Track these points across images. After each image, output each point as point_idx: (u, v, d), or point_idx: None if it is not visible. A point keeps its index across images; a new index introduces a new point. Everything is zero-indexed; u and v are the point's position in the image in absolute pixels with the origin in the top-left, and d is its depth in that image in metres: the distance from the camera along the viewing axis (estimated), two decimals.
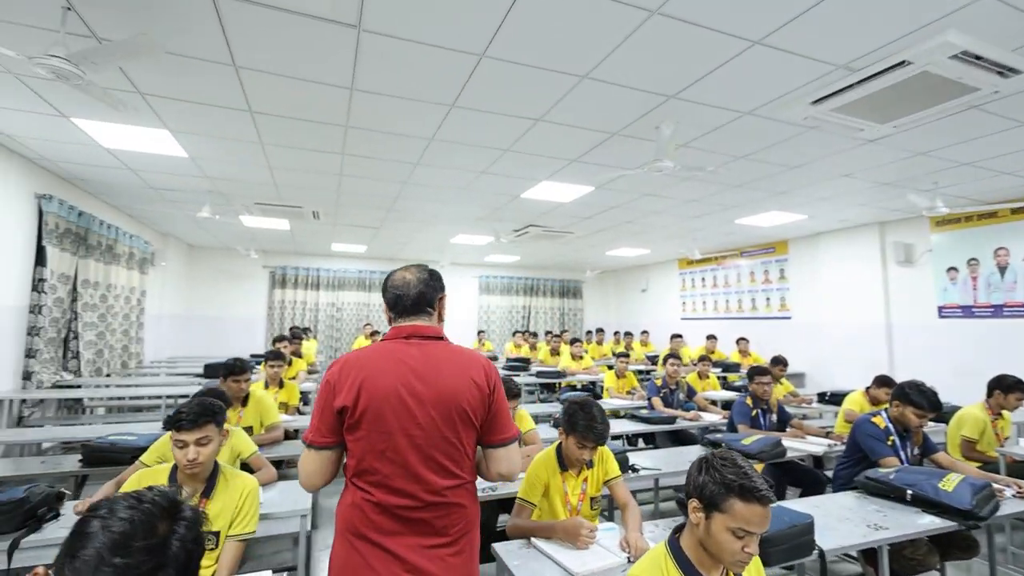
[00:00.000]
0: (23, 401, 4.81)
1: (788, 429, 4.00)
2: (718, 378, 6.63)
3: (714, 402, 5.33)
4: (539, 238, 7.72)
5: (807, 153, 4.15)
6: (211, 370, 5.77)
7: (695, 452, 3.43)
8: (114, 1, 2.35)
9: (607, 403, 5.30)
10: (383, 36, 2.55)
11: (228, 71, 2.95)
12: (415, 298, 1.48)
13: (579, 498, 2.25)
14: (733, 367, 7.23)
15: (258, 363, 5.45)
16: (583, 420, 2.14)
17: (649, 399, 4.90)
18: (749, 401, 3.97)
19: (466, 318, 11.40)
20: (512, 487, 2.39)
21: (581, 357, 6.83)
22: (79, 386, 5.40)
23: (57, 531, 2.09)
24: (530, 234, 7.34)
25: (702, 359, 5.79)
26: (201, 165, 4.70)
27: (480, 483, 2.56)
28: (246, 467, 2.72)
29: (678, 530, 1.43)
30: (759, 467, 3.44)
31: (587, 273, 11.19)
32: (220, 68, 2.92)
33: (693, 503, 1.36)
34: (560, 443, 2.28)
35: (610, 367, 5.92)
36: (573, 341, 6.91)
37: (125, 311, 6.83)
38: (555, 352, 7.52)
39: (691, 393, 5.07)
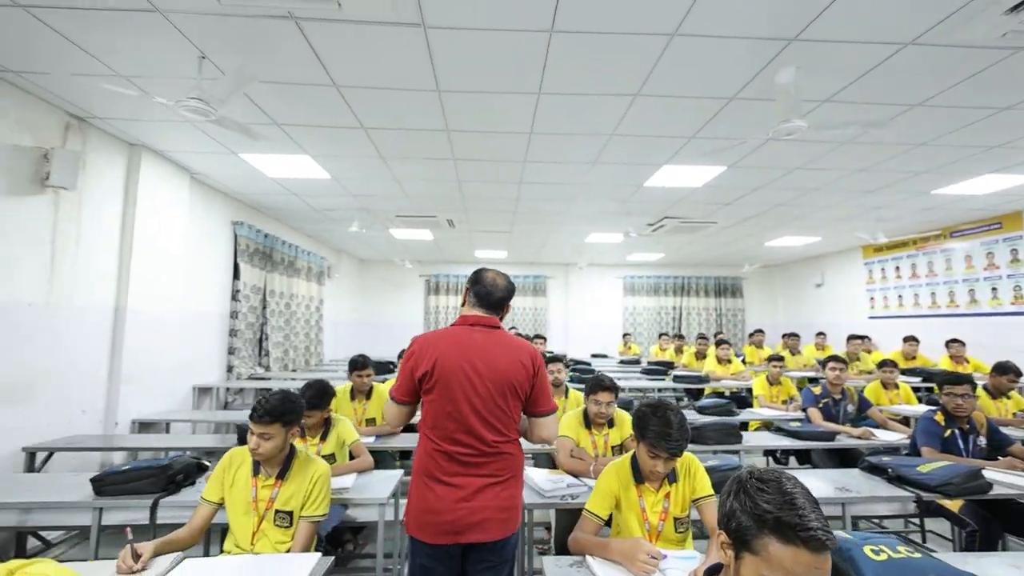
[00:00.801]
0: (227, 390, 5.90)
1: (1003, 457, 2.98)
2: (917, 389, 5.34)
3: (905, 419, 4.26)
4: (678, 231, 7.09)
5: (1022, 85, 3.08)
6: None
7: (853, 477, 2.74)
8: (233, 46, 2.72)
9: (756, 413, 4.60)
10: (448, 29, 2.54)
11: (332, 92, 3.23)
12: (498, 300, 1.85)
13: (660, 517, 1.92)
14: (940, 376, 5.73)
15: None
16: (655, 426, 1.82)
17: (804, 410, 4.10)
18: (939, 418, 3.07)
19: (610, 319, 11.01)
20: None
21: (729, 361, 6.06)
22: (269, 378, 6.44)
23: (193, 495, 2.45)
24: (666, 227, 6.78)
25: (883, 364, 4.68)
26: (343, 184, 5.28)
27: (560, 491, 2.35)
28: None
29: (714, 571, 1.09)
30: (954, 505, 2.62)
31: (745, 268, 9.96)
32: (326, 90, 3.20)
33: (721, 537, 1.01)
34: (635, 451, 1.98)
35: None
36: (720, 343, 6.16)
37: (306, 316, 8.01)
38: (701, 355, 6.80)
39: (864, 405, 4.11)
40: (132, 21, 2.52)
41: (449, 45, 2.68)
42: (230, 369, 5.98)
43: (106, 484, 2.35)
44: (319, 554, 1.77)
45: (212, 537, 2.79)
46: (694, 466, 1.98)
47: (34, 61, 2.91)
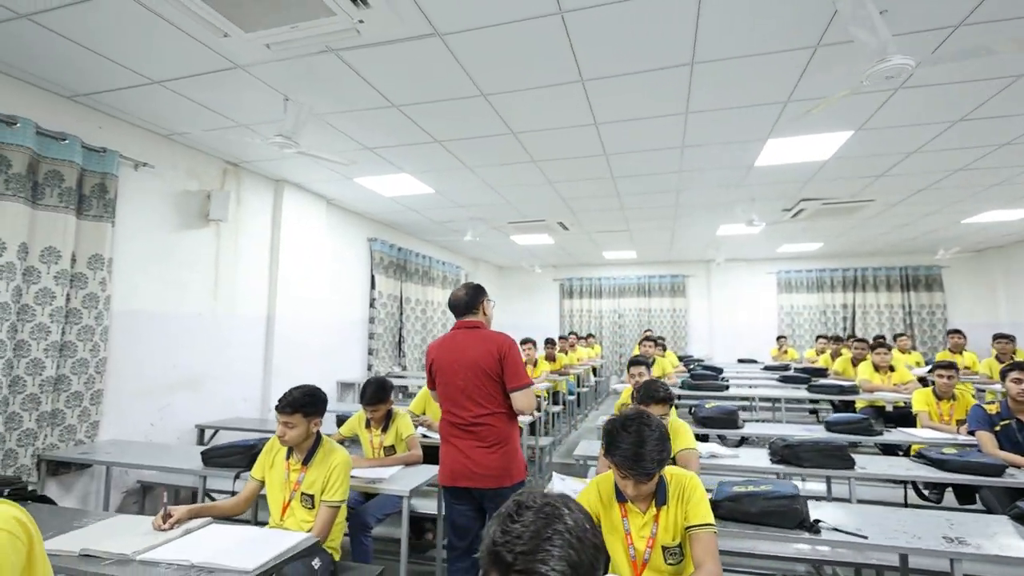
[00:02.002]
0: None
1: None
2: None
3: None
4: (825, 215, 6.01)
5: None
6: None
7: (1001, 525, 2.05)
8: (304, 85, 3.12)
9: (914, 434, 3.68)
10: (461, 33, 2.57)
11: (395, 112, 3.49)
12: (464, 307, 2.50)
13: (647, 543, 1.69)
14: None
15: None
16: (625, 443, 1.60)
17: (972, 433, 3.15)
18: None
19: (762, 320, 9.73)
20: None
21: (891, 368, 4.93)
22: (405, 376, 7.14)
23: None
24: (808, 211, 5.80)
25: None
26: (447, 196, 5.63)
27: None
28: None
29: None
30: None
31: (940, 254, 7.93)
32: (389, 111, 3.47)
33: None
34: None
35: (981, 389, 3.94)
36: (876, 346, 5.03)
37: (443, 321, 8.68)
38: (858, 361, 5.63)
39: None
40: (226, 78, 3.06)
41: (470, 48, 2.71)
42: (370, 367, 6.78)
43: (210, 457, 2.90)
44: (307, 533, 1.94)
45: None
46: (690, 488, 1.69)
47: (179, 123, 3.71)
